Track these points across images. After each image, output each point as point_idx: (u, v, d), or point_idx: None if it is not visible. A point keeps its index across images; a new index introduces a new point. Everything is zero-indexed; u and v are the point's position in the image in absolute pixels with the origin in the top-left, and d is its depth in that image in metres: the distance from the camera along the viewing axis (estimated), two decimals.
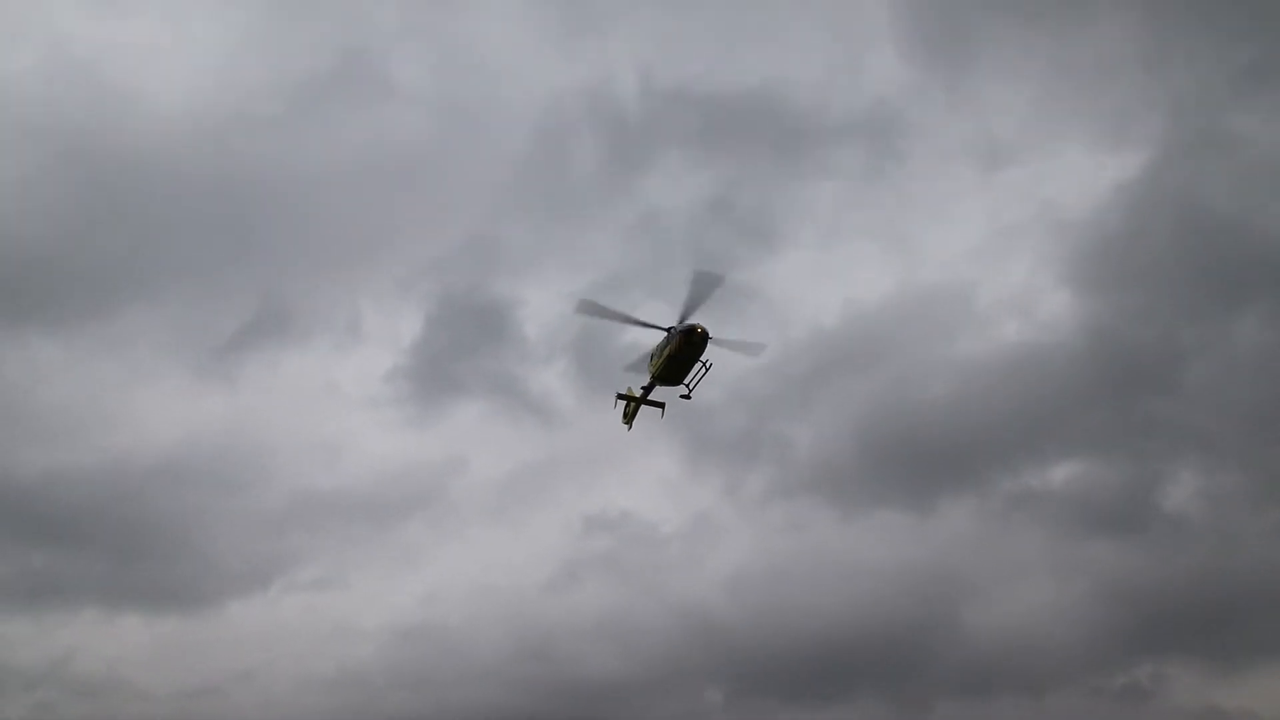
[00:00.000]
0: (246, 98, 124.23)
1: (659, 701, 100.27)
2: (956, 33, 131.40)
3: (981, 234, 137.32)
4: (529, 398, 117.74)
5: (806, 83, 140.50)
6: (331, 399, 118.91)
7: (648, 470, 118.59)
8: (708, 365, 41.61)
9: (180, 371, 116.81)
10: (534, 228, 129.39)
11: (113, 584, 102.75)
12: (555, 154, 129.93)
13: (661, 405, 45.32)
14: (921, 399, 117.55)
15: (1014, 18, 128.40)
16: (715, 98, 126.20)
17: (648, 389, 44.99)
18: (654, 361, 42.86)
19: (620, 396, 45.55)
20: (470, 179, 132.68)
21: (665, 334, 41.72)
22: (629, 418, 46.12)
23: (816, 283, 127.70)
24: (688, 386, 42.73)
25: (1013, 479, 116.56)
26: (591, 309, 41.22)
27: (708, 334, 40.04)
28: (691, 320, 40.19)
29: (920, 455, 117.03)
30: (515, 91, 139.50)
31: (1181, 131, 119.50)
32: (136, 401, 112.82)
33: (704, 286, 40.17)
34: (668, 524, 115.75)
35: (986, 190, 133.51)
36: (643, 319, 41.07)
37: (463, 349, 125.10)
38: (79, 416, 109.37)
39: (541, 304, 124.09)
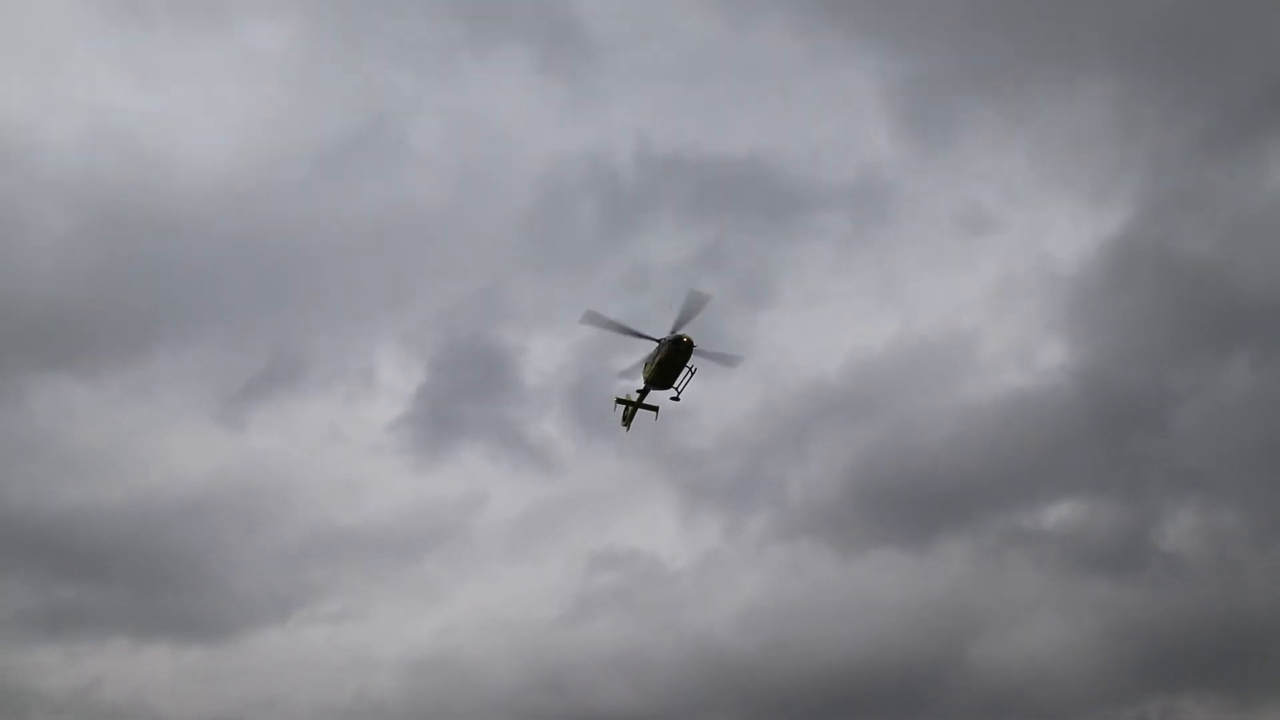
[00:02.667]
0: (272, 163, 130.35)
1: None
2: (942, 109, 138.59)
3: (972, 289, 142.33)
4: (530, 442, 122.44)
5: (796, 152, 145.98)
6: (345, 442, 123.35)
7: (651, 512, 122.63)
8: (693, 370, 45.61)
9: (203, 415, 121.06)
10: (535, 281, 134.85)
11: (139, 615, 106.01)
12: (557, 213, 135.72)
13: (655, 409, 49.13)
14: (918, 444, 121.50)
15: (996, 95, 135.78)
16: (707, 164, 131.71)
17: (643, 393, 48.74)
18: (647, 368, 46.85)
19: (619, 401, 49.32)
20: (478, 236, 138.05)
21: (657, 344, 45.77)
22: (627, 420, 49.68)
23: (811, 335, 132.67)
24: (677, 389, 46.72)
25: (1010, 518, 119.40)
26: (595, 320, 44.90)
27: (693, 343, 44.24)
28: (680, 331, 44.35)
29: (918, 497, 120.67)
30: (522, 156, 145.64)
31: (1159, 188, 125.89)
32: (162, 442, 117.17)
33: (693, 303, 44.24)
34: (674, 562, 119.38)
35: (976, 250, 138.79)
36: (638, 330, 45.37)
37: (468, 395, 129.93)
38: (108, 456, 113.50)
39: (541, 352, 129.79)
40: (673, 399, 47.82)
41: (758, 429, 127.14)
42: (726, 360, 46.38)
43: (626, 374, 48.25)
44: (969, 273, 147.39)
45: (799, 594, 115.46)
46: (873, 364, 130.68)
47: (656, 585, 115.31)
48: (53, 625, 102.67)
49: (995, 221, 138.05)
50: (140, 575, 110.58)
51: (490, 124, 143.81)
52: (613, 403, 49.20)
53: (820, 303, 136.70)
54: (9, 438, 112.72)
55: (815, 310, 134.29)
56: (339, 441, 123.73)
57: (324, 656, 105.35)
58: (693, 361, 45.25)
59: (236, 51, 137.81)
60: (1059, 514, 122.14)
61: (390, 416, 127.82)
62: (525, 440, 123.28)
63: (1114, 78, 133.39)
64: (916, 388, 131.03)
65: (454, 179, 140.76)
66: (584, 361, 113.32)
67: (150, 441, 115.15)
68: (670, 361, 45.27)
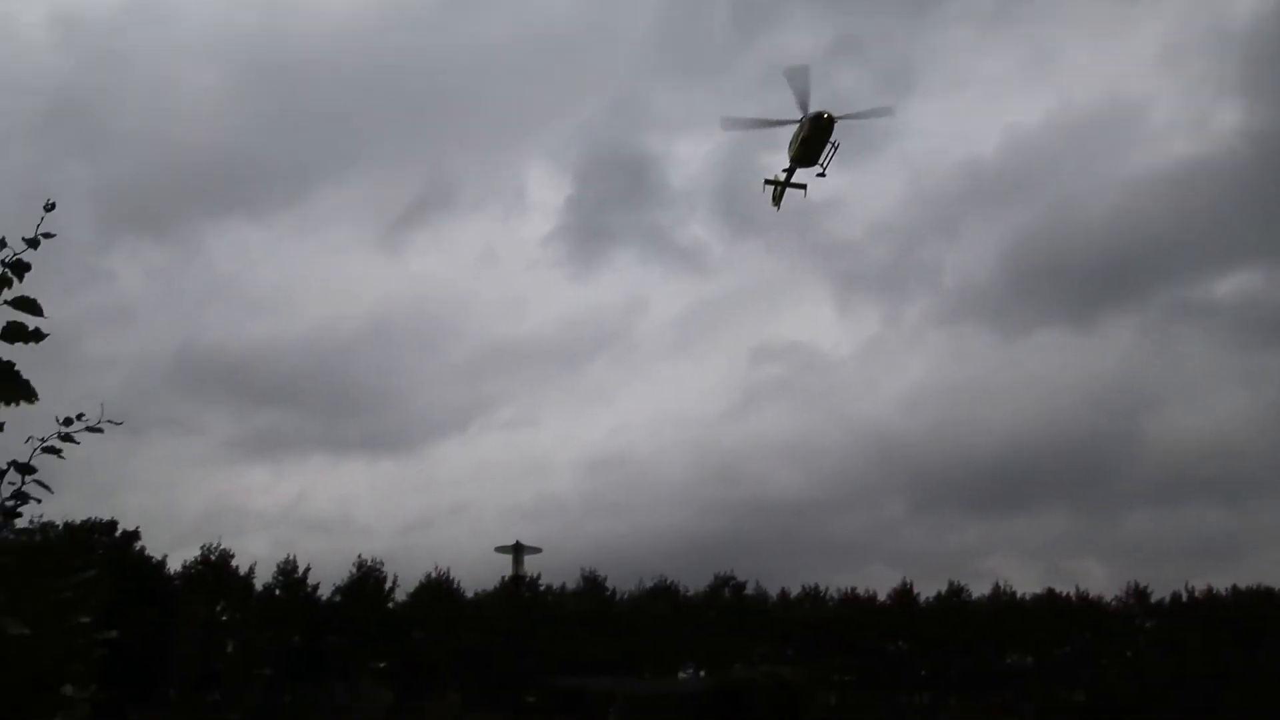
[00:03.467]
0: None
1: (843, 516, 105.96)
2: None
3: (1133, 56, 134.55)
4: (681, 245, 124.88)
5: None
6: (503, 259, 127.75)
7: (808, 304, 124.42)
8: (836, 145, 45.47)
9: (368, 245, 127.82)
10: (672, 87, 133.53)
11: (333, 435, 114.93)
12: (688, 16, 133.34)
13: (804, 186, 49.51)
14: (1080, 220, 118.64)
15: None
16: None
17: (790, 172, 49.14)
18: (791, 147, 47.04)
19: (768, 182, 49.98)
20: (612, 46, 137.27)
21: (798, 124, 46.03)
22: (777, 200, 50.36)
23: (960, 117, 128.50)
24: (822, 166, 47.08)
25: (1180, 292, 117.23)
26: (732, 123, 45.60)
27: (833, 117, 43.09)
28: (815, 108, 43.04)
29: (1080, 275, 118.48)
30: None
31: None
32: (334, 275, 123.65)
33: (799, 79, 43.22)
34: (835, 351, 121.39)
35: (1135, 15, 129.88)
36: (778, 119, 45.94)
37: (617, 205, 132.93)
38: (286, 292, 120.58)
39: (684, 156, 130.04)
40: (819, 175, 47.90)
41: (909, 216, 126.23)
42: (878, 113, 45.63)
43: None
44: (1129, 39, 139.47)
45: (962, 377, 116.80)
46: (1029, 141, 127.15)
47: (819, 374, 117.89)
48: (258, 449, 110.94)
49: None
50: (329, 398, 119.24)
51: None
52: (761, 185, 49.99)
53: (968, 85, 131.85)
54: (196, 284, 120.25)
55: (963, 93, 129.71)
56: (497, 260, 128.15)
57: (504, 462, 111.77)
58: (836, 136, 45.33)
59: None
60: (1232, 285, 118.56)
61: (543, 231, 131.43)
62: (676, 244, 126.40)
63: None
64: (1077, 162, 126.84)
65: None
66: (728, 161, 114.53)
67: (322, 275, 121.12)
68: (812, 139, 43.93)
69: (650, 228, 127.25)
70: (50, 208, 2.97)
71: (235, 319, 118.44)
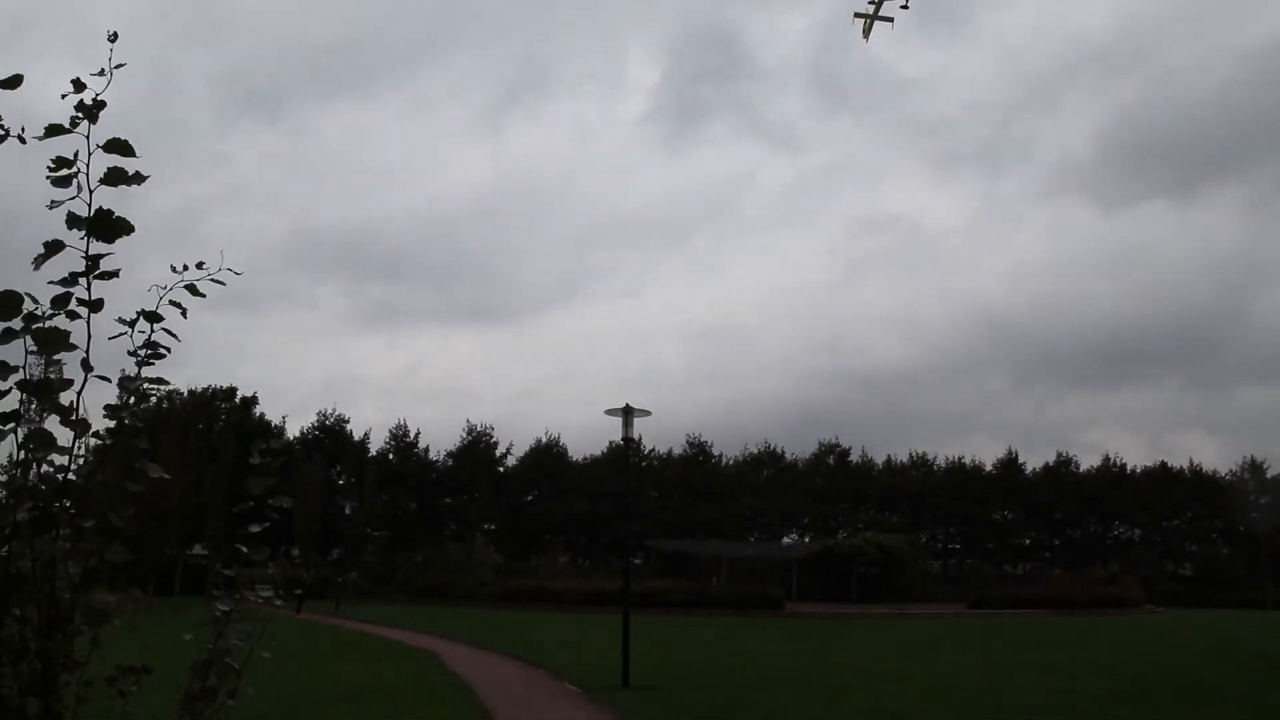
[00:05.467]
0: None
1: (947, 388, 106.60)
2: None
3: None
4: (776, 120, 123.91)
5: None
6: (605, 136, 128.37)
7: (907, 179, 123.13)
8: None
9: (474, 123, 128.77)
10: None
11: (443, 306, 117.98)
12: None
13: (891, 19, 50.22)
14: (1182, 94, 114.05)
15: None
16: None
17: (877, 5, 50.00)
18: None
19: (857, 15, 50.62)
20: None
21: None
22: (866, 32, 51.40)
23: None
24: None
25: None
26: None
27: None
28: None
29: (1183, 148, 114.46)
30: None
31: None
32: (441, 152, 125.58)
33: None
34: (935, 225, 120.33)
35: None
36: None
37: (711, 81, 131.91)
38: (396, 170, 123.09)
39: (777, 32, 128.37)
40: (902, 6, 48.79)
41: (1007, 91, 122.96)
42: None
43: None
44: None
45: (1064, 252, 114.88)
46: (1134, 13, 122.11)
47: (919, 248, 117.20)
48: (371, 321, 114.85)
49: None
50: (440, 272, 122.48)
51: None
52: (851, 19, 50.53)
53: None
54: (309, 163, 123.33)
55: None
56: (598, 137, 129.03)
57: (610, 332, 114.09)
58: None
59: None
60: None
61: (642, 109, 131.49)
62: (772, 119, 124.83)
63: None
64: (1180, 35, 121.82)
65: None
66: (821, 38, 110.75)
67: (431, 152, 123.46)
68: None
69: (746, 103, 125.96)
70: (114, 38, 2.81)
71: (347, 199, 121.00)
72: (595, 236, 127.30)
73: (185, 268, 2.97)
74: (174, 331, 2.97)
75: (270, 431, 69.51)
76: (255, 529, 3.16)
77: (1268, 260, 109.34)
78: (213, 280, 3.03)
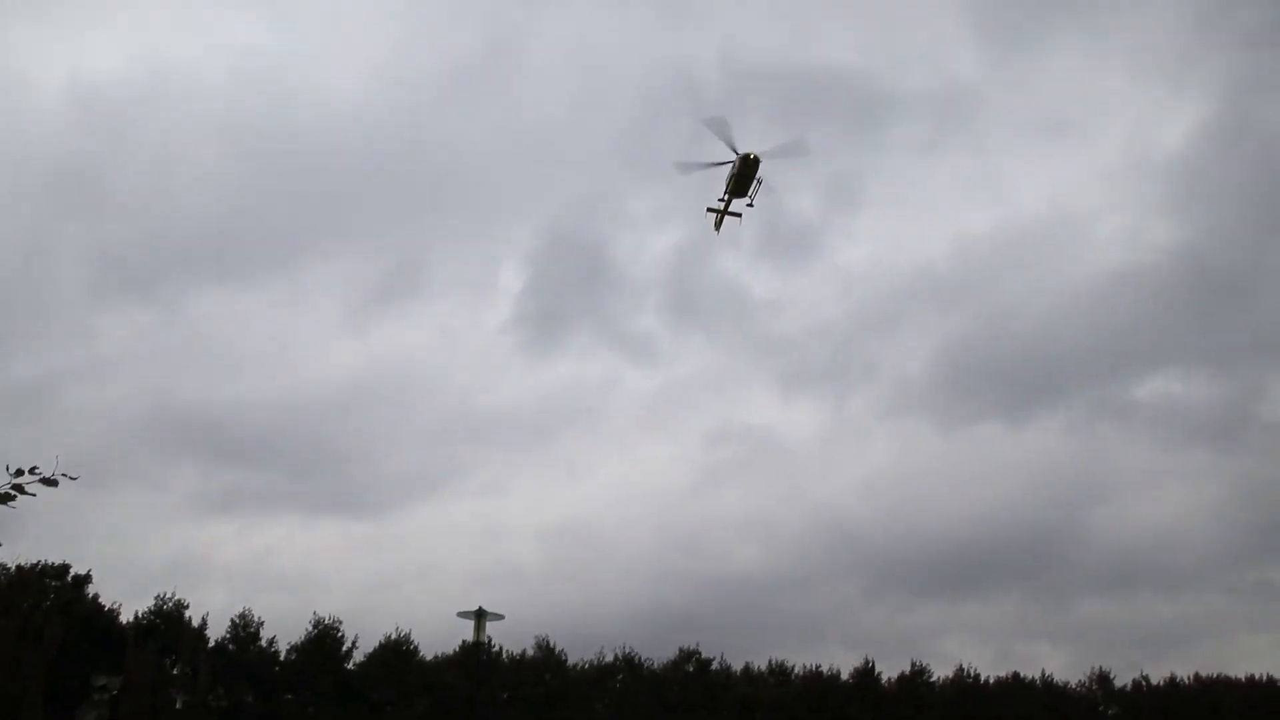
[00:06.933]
0: (399, 89, 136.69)
1: (803, 594, 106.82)
2: (1022, 21, 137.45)
3: (1067, 176, 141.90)
4: (635, 333, 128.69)
5: (881, 63, 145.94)
6: (473, 337, 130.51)
7: (759, 390, 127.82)
8: (760, 181, 51.55)
9: (348, 316, 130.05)
10: (636, 184, 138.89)
11: (305, 494, 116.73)
12: (652, 122, 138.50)
13: (739, 215, 55.04)
14: (1013, 326, 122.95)
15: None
16: (791, 74, 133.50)
17: (726, 203, 56.15)
18: (726, 183, 53.18)
19: (710, 210, 56.13)
20: (584, 146, 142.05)
21: (731, 164, 51.41)
22: (718, 225, 57.66)
23: (905, 227, 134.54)
24: (750, 198, 52.77)
25: (1106, 392, 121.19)
26: (686, 167, 52.65)
27: (759, 158, 50.75)
28: (743, 149, 50.75)
29: (1014, 375, 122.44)
30: (622, 71, 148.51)
31: (1238, 74, 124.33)
32: (313, 342, 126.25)
33: (719, 127, 51.06)
34: (788, 437, 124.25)
35: (1064, 147, 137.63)
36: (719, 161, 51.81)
37: (577, 294, 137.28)
38: (266, 356, 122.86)
39: (644, 249, 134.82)
40: (747, 205, 53.90)
41: (850, 315, 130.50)
42: (797, 150, 52.54)
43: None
44: (1058, 168, 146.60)
45: (910, 466, 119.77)
46: (967, 251, 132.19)
47: (772, 458, 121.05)
48: (224, 503, 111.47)
49: (1084, 118, 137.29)
50: (301, 458, 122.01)
51: (593, 42, 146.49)
52: (704, 212, 55.29)
53: (909, 201, 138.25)
54: (178, 344, 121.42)
55: (904, 207, 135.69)
56: (465, 338, 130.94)
57: (470, 527, 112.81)
58: (762, 173, 51.14)
59: None
60: (1157, 387, 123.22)
61: (509, 315, 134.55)
62: (630, 332, 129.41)
63: None
64: (1012, 272, 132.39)
65: (563, 94, 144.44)
66: (682, 256, 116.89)
67: (302, 342, 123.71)
68: (742, 174, 51.98)
69: (609, 314, 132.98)
70: (18, 473, 3.00)
71: (212, 381, 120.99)
72: (459, 434, 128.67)
73: (19, 471, 2.98)
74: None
75: (102, 613, 65.41)
76: None
77: (1097, 479, 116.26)
78: (44, 482, 3.04)
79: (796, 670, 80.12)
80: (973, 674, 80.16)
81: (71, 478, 2.69)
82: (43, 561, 67.60)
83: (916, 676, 79.37)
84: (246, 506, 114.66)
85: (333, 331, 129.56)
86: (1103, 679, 78.97)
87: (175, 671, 70.34)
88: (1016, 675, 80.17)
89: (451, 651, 73.76)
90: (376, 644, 75.39)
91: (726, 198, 54.66)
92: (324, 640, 74.21)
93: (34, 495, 2.65)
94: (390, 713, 71.43)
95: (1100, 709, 77.53)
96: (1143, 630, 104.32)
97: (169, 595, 73.23)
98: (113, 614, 68.21)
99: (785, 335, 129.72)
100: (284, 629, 72.66)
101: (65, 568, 68.50)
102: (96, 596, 68.64)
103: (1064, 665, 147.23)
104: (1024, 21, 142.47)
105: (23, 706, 47.78)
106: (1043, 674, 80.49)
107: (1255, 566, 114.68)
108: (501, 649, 75.83)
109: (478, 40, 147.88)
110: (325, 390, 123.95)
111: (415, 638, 76.41)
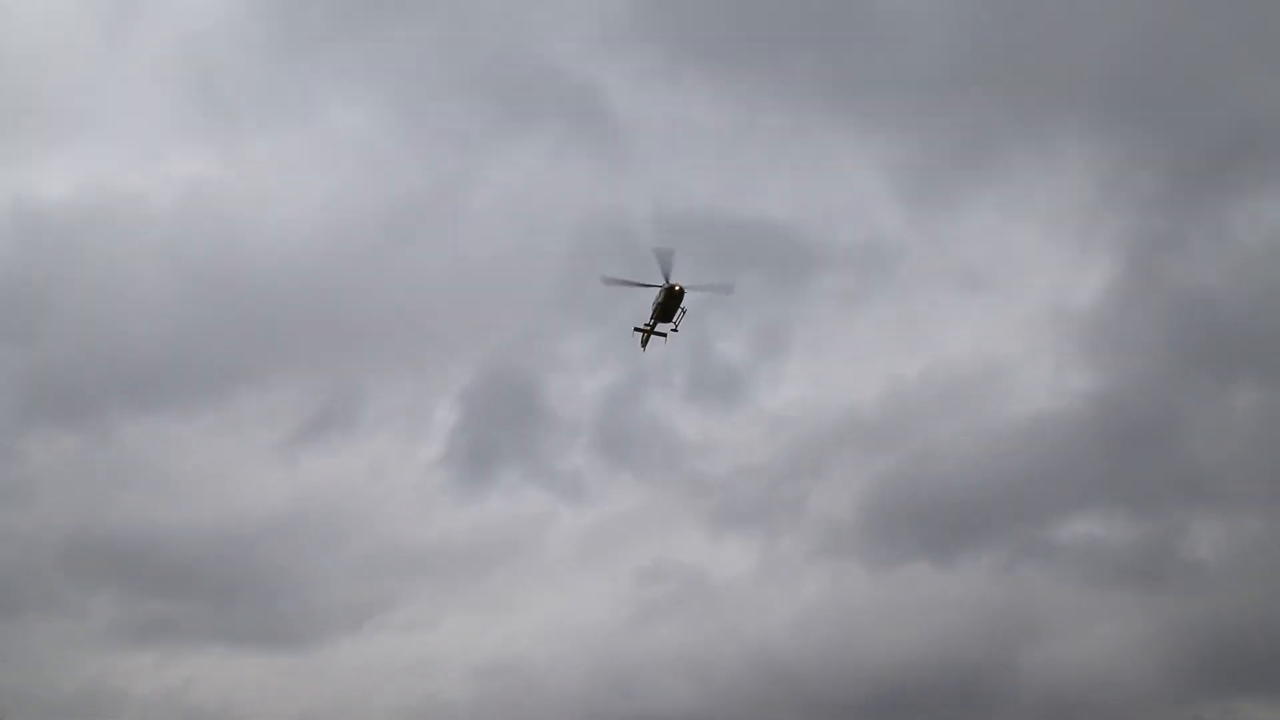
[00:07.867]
0: (343, 226, 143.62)
1: None
2: (938, 182, 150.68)
3: (989, 325, 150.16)
4: (567, 471, 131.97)
5: (803, 216, 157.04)
6: (403, 472, 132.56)
7: (689, 529, 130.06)
8: (684, 310, 56.09)
9: (280, 447, 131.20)
10: (569, 327, 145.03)
11: (225, 624, 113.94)
12: (586, 267, 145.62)
13: (664, 335, 59.48)
14: (936, 470, 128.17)
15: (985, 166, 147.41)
16: (719, 225, 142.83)
17: (652, 325, 59.60)
18: (653, 308, 57.42)
19: (636, 329, 60.00)
20: (519, 289, 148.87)
21: (659, 289, 55.60)
22: (644, 344, 60.97)
23: (829, 373, 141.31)
24: (674, 324, 57.19)
25: (1032, 532, 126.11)
26: (613, 281, 56.61)
27: (683, 289, 55.27)
28: (672, 279, 55.51)
29: (938, 516, 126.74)
30: (559, 217, 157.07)
31: (1144, 232, 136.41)
32: (244, 471, 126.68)
33: (664, 256, 55.60)
34: (719, 575, 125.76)
35: (982, 301, 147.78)
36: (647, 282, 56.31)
37: (509, 432, 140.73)
38: (195, 483, 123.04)
39: (578, 389, 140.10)
40: (672, 330, 58.92)
41: (778, 457, 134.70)
42: (720, 289, 57.44)
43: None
44: (979, 318, 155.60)
45: (841, 605, 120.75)
46: (893, 396, 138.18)
47: (705, 595, 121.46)
48: (144, 633, 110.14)
49: (998, 275, 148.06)
50: (226, 588, 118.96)
51: (532, 188, 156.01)
52: (631, 331, 60.37)
53: (835, 347, 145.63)
54: (107, 469, 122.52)
55: (831, 353, 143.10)
56: (397, 473, 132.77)
57: (396, 662, 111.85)
58: (686, 302, 56.34)
59: (314, 133, 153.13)
60: (1079, 528, 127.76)
61: (442, 450, 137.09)
62: (561, 470, 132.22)
63: (1089, 136, 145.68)
64: (935, 418, 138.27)
65: (501, 237, 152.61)
66: (613, 397, 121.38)
67: (233, 471, 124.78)
68: (667, 304, 56.67)
69: (540, 453, 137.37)
70: None
71: (136, 508, 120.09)
72: (389, 566, 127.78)
73: None
74: None
75: None
76: None
77: (1024, 619, 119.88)
78: None
79: None
80: None
81: None
82: None
83: None
84: (168, 636, 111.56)
85: (265, 461, 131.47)
86: None
87: None
88: None
89: None
90: None
91: (652, 321, 59.05)
92: None
93: None
94: None
95: None
96: None
97: None
98: None
99: (714, 475, 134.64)
100: None
101: None
102: None
103: None
104: (943, 182, 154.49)
105: None
106: None
107: (1187, 704, 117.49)
108: None
109: (424, 182, 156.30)
110: (255, 520, 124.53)
111: None
